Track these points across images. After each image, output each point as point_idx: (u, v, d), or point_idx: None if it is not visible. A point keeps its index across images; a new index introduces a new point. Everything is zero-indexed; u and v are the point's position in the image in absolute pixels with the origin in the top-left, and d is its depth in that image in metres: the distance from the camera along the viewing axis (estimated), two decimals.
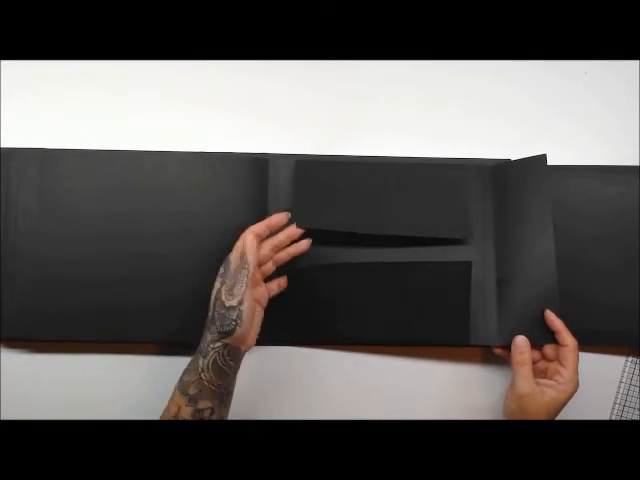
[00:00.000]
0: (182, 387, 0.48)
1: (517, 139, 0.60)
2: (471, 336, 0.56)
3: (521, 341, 0.53)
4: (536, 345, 0.54)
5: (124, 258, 0.55)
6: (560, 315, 0.53)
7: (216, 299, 0.48)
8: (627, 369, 0.58)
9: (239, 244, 0.49)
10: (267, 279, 0.53)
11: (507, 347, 0.54)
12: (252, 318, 0.49)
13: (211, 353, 0.47)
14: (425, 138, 0.60)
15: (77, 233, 0.55)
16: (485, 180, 0.58)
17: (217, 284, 0.49)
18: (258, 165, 0.58)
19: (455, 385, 0.58)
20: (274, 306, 0.55)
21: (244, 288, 0.47)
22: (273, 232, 0.52)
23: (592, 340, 0.57)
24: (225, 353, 0.48)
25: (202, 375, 0.47)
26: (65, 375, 0.57)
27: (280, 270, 0.53)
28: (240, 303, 0.47)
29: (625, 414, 0.58)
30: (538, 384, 0.51)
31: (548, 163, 0.57)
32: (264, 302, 0.52)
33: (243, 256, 0.48)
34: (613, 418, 0.58)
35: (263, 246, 0.51)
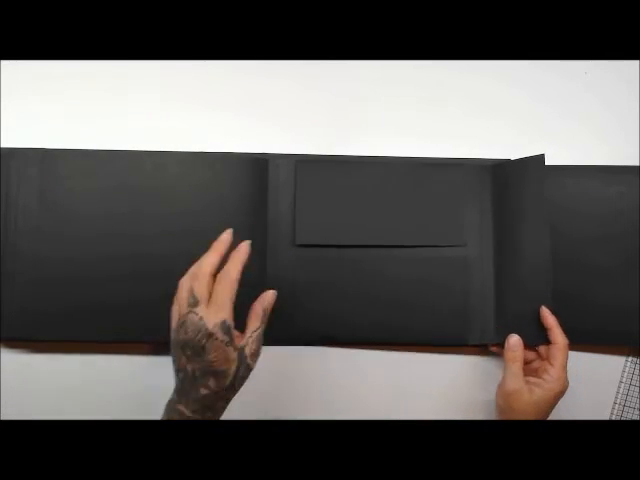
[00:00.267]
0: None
1: (517, 139, 0.60)
2: (469, 336, 0.56)
3: (515, 341, 0.53)
4: (531, 346, 0.54)
5: (124, 258, 0.55)
6: (555, 313, 0.53)
7: (237, 369, 0.45)
8: (627, 369, 0.58)
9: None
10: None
11: (503, 345, 0.54)
12: None
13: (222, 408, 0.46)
14: (425, 138, 0.60)
15: (77, 233, 0.55)
16: (485, 180, 0.58)
17: (231, 354, 0.44)
18: (258, 165, 0.58)
19: (455, 379, 0.58)
20: (273, 306, 0.55)
21: (261, 331, 0.47)
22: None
23: (592, 340, 0.57)
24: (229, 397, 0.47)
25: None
26: (65, 375, 0.57)
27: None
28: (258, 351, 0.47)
29: (625, 414, 0.58)
30: (527, 382, 0.52)
31: (548, 163, 0.57)
32: None
33: (267, 311, 0.48)
34: (613, 418, 0.58)
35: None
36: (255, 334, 0.46)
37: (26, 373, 0.56)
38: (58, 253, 0.55)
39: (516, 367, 0.52)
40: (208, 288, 0.45)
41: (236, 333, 0.46)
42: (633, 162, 0.59)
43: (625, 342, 0.57)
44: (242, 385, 0.47)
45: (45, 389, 0.56)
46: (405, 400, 0.58)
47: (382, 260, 0.57)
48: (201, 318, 0.44)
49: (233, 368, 0.44)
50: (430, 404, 0.58)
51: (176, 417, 0.45)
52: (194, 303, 0.45)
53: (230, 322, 0.44)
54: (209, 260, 0.46)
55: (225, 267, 0.46)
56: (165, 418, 0.45)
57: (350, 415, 0.57)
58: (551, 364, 0.52)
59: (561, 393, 0.51)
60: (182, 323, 0.45)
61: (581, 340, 0.55)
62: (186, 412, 0.44)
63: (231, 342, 0.44)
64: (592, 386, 0.57)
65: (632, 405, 0.58)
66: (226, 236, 0.48)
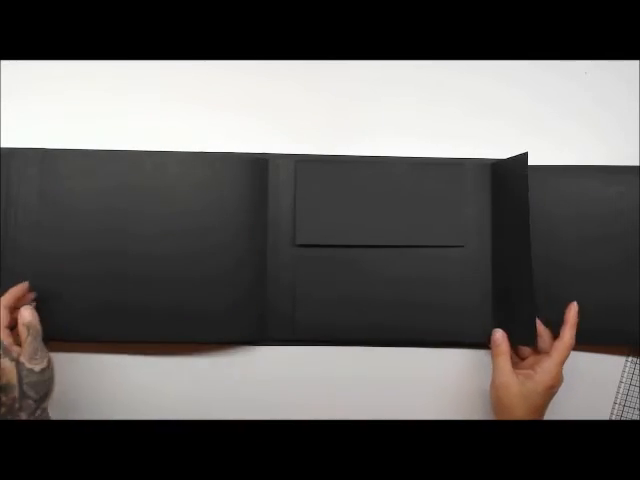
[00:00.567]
0: None
1: (517, 139, 0.60)
2: (468, 335, 0.57)
3: (498, 336, 0.54)
4: (522, 345, 0.54)
5: (123, 257, 0.55)
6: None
7: (19, 376, 0.47)
8: (627, 369, 0.58)
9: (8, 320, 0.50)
10: None
11: None
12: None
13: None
14: (425, 138, 0.60)
15: (77, 233, 0.55)
16: (484, 180, 0.59)
17: (8, 365, 0.47)
18: (258, 165, 0.58)
19: (454, 374, 0.58)
20: (273, 305, 0.55)
21: (45, 349, 0.49)
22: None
23: (592, 340, 0.57)
24: (45, 417, 0.48)
25: None
26: (65, 375, 0.56)
27: None
28: (49, 362, 0.49)
29: (625, 414, 0.58)
30: (519, 375, 0.52)
31: (548, 163, 0.57)
32: None
33: (30, 325, 0.49)
34: (613, 418, 0.58)
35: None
36: (27, 340, 0.49)
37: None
38: (58, 252, 0.55)
39: (502, 361, 0.53)
40: None
41: (17, 349, 0.49)
42: (633, 162, 0.59)
43: (625, 342, 0.57)
44: (49, 388, 0.49)
45: None
46: (405, 399, 0.58)
47: (382, 260, 0.57)
48: None
49: (14, 377, 0.47)
50: (430, 401, 0.58)
51: None
52: None
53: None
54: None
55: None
56: None
57: (350, 415, 0.57)
58: (549, 356, 0.52)
59: (553, 387, 0.51)
60: None
61: (581, 340, 0.55)
62: None
63: (6, 355, 0.48)
64: (592, 386, 0.57)
65: (632, 405, 0.58)
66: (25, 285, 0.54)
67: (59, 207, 0.56)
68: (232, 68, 0.60)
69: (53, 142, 0.58)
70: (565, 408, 0.55)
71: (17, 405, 0.47)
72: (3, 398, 0.46)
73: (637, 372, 0.58)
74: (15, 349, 0.49)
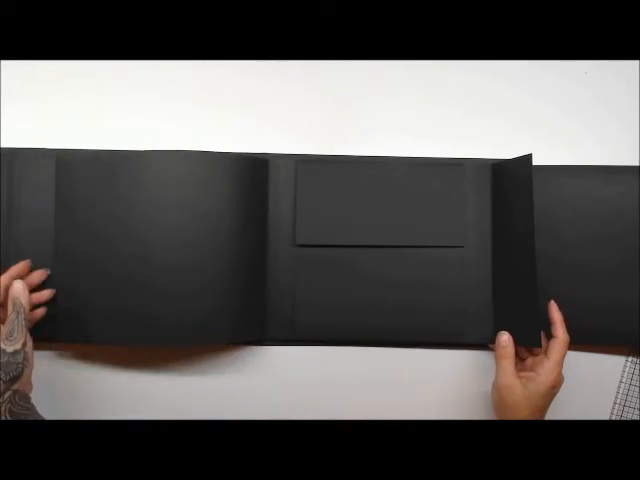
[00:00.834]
0: None
1: (517, 139, 0.60)
2: (467, 335, 0.57)
3: (504, 338, 0.53)
4: (524, 346, 0.54)
5: (123, 257, 0.55)
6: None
7: None
8: (627, 369, 0.58)
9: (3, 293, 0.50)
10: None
11: None
12: (33, 358, 0.49)
13: (4, 406, 0.46)
14: (425, 138, 0.60)
15: (77, 233, 0.55)
16: (484, 180, 0.59)
17: None
18: (258, 165, 0.58)
19: (454, 374, 0.58)
20: (273, 305, 0.55)
21: (25, 330, 0.48)
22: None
23: (592, 340, 0.57)
24: (17, 400, 0.47)
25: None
26: (65, 374, 0.57)
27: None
28: (24, 345, 0.48)
29: (625, 414, 0.58)
30: (521, 377, 0.52)
31: (548, 163, 0.57)
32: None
33: (16, 301, 0.49)
34: (613, 418, 0.58)
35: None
36: (9, 318, 0.48)
37: None
38: (72, 251, 0.55)
39: (506, 363, 0.52)
40: None
41: None
42: (633, 162, 0.59)
43: (625, 342, 0.57)
44: (20, 372, 0.47)
45: (45, 389, 0.56)
46: (405, 399, 0.58)
47: (382, 260, 0.57)
48: None
49: None
50: (430, 401, 0.58)
51: None
52: None
53: None
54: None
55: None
56: None
57: (350, 415, 0.57)
58: (547, 357, 0.52)
59: (555, 387, 0.52)
60: None
61: (581, 340, 0.55)
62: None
63: None
64: (592, 386, 0.57)
65: (632, 405, 0.58)
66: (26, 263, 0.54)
67: (59, 206, 0.55)
68: (232, 68, 0.60)
69: (53, 142, 0.58)
70: (565, 408, 0.55)
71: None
72: None
73: (637, 372, 0.58)
74: None
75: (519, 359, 0.55)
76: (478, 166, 0.59)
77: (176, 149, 0.57)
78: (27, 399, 0.48)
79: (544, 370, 0.51)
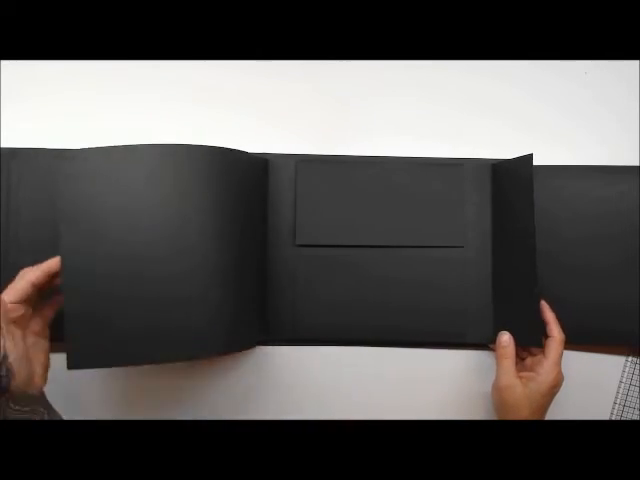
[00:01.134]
0: None
1: (517, 139, 0.60)
2: (468, 335, 0.57)
3: (505, 338, 0.54)
4: (525, 346, 0.54)
5: (122, 257, 0.55)
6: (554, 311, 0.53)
7: None
8: (627, 369, 0.58)
9: None
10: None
11: None
12: (30, 361, 0.48)
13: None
14: (425, 138, 0.60)
15: (76, 233, 0.55)
16: (484, 180, 0.59)
17: None
18: (258, 165, 0.58)
19: (455, 374, 0.58)
20: (273, 305, 0.55)
21: (3, 341, 0.46)
22: None
23: (592, 340, 0.57)
24: (11, 404, 0.46)
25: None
26: (64, 373, 0.57)
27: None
28: (5, 357, 0.46)
29: (625, 414, 0.58)
30: (521, 377, 0.52)
31: (548, 163, 0.57)
32: (45, 332, 0.50)
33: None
34: (613, 418, 0.58)
35: (16, 285, 0.48)
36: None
37: None
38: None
39: (507, 364, 0.53)
40: None
41: None
42: (633, 162, 0.59)
43: (625, 342, 0.57)
44: (8, 378, 0.46)
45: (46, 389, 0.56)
46: (405, 399, 0.58)
47: (382, 260, 0.57)
48: None
49: None
50: (431, 401, 0.58)
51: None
52: None
53: None
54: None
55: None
56: None
57: (350, 415, 0.57)
58: (546, 357, 0.52)
59: (555, 387, 0.52)
60: None
61: (581, 340, 0.55)
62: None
63: None
64: (592, 386, 0.57)
65: (632, 405, 0.58)
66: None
67: (59, 206, 0.55)
68: (232, 68, 0.60)
69: (53, 142, 0.58)
70: (565, 408, 0.55)
71: None
72: None
73: (637, 372, 0.58)
74: None
75: (518, 359, 0.55)
76: (478, 166, 0.59)
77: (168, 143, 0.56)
78: (28, 399, 0.47)
79: (544, 370, 0.51)
